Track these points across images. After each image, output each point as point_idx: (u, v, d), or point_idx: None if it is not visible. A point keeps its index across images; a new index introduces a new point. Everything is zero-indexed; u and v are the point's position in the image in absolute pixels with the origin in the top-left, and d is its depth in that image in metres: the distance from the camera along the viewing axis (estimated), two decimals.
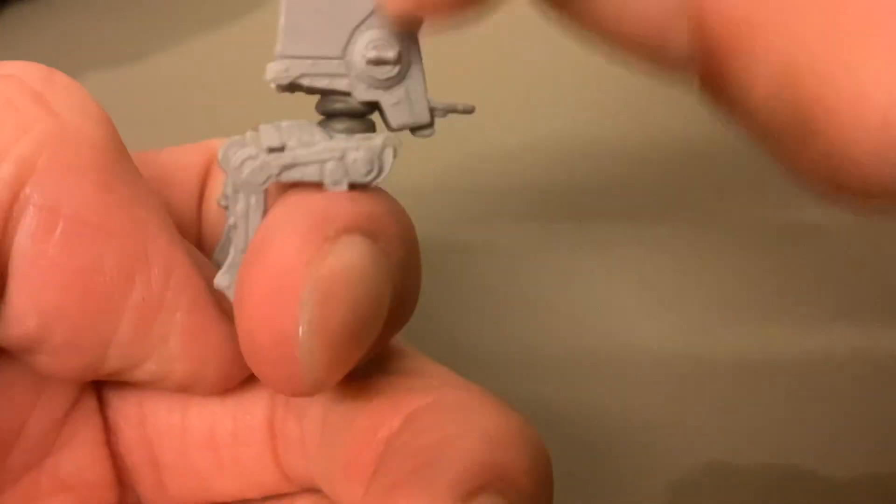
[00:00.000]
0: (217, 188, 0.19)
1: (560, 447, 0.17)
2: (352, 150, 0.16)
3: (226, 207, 0.17)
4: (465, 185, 0.31)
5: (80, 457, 0.18)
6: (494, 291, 0.29)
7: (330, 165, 0.16)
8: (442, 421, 0.16)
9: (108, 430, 0.18)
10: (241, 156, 0.16)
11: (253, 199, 0.16)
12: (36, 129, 0.15)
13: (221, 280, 0.16)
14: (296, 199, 0.16)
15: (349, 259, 0.15)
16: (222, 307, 0.17)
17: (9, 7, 0.38)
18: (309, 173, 0.16)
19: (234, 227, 0.16)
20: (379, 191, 0.16)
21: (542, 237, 0.30)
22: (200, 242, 0.20)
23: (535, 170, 0.33)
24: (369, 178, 0.16)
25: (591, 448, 0.25)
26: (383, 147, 0.16)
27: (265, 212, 0.16)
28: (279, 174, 0.16)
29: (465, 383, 0.17)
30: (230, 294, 0.16)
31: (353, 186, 0.16)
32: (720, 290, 0.29)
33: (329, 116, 0.16)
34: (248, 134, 0.16)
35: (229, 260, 0.16)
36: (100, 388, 0.18)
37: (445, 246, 0.29)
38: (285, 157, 0.16)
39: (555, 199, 0.31)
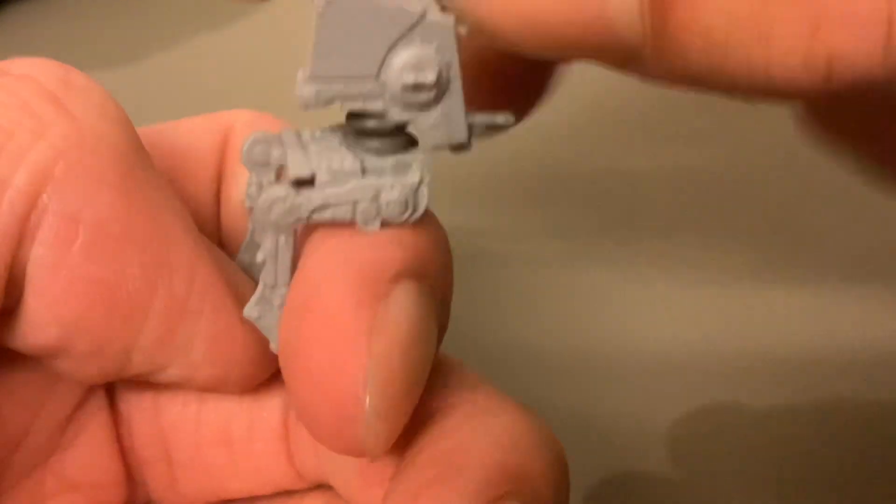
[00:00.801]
0: (236, 172, 0.19)
1: (569, 448, 0.17)
2: (385, 190, 0.15)
3: (250, 209, 0.16)
4: (477, 188, 0.31)
5: (87, 455, 0.17)
6: (504, 291, 0.29)
7: (362, 206, 0.15)
8: (461, 425, 0.16)
9: (119, 424, 0.18)
10: (270, 197, 0.15)
11: (282, 239, 0.16)
12: (52, 133, 0.15)
13: (251, 312, 0.16)
14: (337, 246, 0.15)
15: (406, 318, 0.14)
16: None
17: (9, 7, 0.38)
18: (341, 214, 0.15)
19: (263, 263, 0.16)
20: (422, 218, 0.16)
21: (551, 240, 0.30)
22: (220, 233, 0.19)
23: (544, 168, 0.33)
24: (403, 217, 0.15)
25: (600, 449, 0.25)
26: (419, 185, 0.15)
27: (295, 248, 0.16)
28: (309, 216, 0.15)
29: (480, 384, 0.17)
30: (260, 326, 0.16)
31: (384, 223, 0.15)
32: (729, 292, 0.29)
33: (361, 133, 0.16)
34: (280, 135, 0.16)
35: (258, 293, 0.16)
36: (111, 382, 0.18)
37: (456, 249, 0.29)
38: (315, 199, 0.15)
39: (564, 198, 0.31)
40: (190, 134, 0.19)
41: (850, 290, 0.29)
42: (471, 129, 0.16)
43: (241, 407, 0.18)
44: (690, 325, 0.28)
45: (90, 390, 0.17)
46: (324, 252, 0.15)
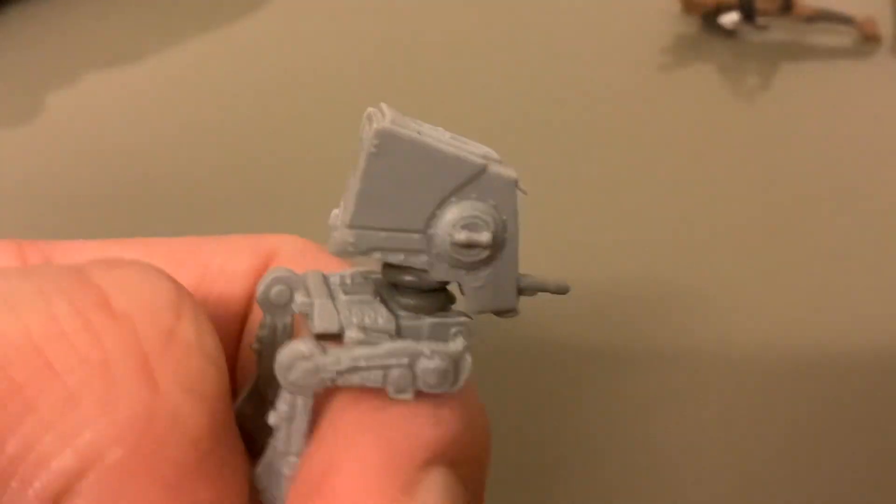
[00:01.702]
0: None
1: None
2: (423, 358, 0.13)
3: (259, 353, 0.15)
4: None
5: None
6: None
7: (396, 372, 0.13)
8: None
9: None
10: (291, 355, 0.13)
11: (300, 402, 0.13)
12: (121, 409, 0.12)
13: (259, 480, 0.14)
14: (362, 417, 0.13)
15: None
16: None
17: (9, 7, 0.38)
18: (371, 379, 0.13)
19: (277, 428, 0.14)
20: (459, 393, 0.14)
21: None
22: (235, 368, 0.17)
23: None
24: (441, 388, 0.13)
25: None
26: (462, 354, 0.14)
27: (311, 412, 0.14)
28: (335, 379, 0.13)
29: None
30: (264, 498, 0.14)
31: (418, 393, 0.13)
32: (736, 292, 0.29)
33: (396, 287, 0.14)
34: (304, 277, 0.14)
35: (265, 459, 0.14)
36: None
37: None
38: (344, 360, 0.13)
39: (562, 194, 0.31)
40: (227, 253, 0.17)
41: (850, 290, 0.29)
42: (520, 293, 0.14)
43: None
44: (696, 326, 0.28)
45: None
46: (346, 422, 0.13)
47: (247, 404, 0.16)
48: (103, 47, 0.36)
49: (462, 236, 0.13)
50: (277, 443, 0.14)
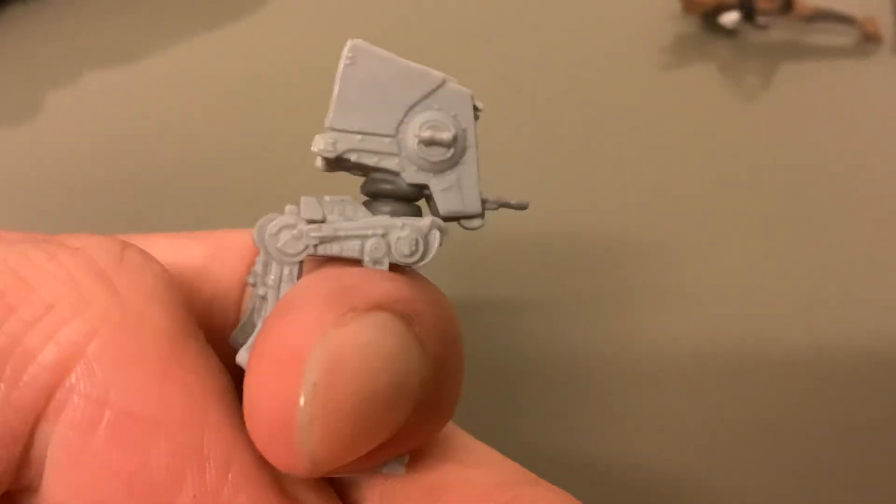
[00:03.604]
0: None
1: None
2: (396, 229, 0.15)
3: (253, 285, 0.16)
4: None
5: None
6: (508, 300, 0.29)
7: (372, 242, 0.15)
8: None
9: None
10: (278, 224, 0.15)
11: (286, 271, 0.15)
12: (92, 310, 0.14)
13: (243, 356, 0.15)
14: (327, 270, 0.15)
15: (372, 334, 0.14)
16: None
17: (9, 7, 0.38)
18: (349, 248, 0.15)
19: (264, 298, 0.15)
20: (422, 278, 0.16)
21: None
22: (238, 318, 0.19)
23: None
24: (412, 259, 0.15)
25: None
26: (430, 228, 0.15)
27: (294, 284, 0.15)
28: (317, 246, 0.15)
29: (536, 479, 0.16)
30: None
31: (393, 267, 0.15)
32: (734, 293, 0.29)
33: (374, 197, 0.16)
34: (287, 207, 0.15)
35: (255, 334, 0.15)
36: None
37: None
38: (325, 229, 0.15)
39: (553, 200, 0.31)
40: (241, 232, 0.19)
41: (845, 292, 0.29)
42: (484, 203, 0.16)
43: None
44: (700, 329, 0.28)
45: None
46: (313, 273, 0.15)
47: (241, 333, 0.17)
48: (103, 47, 0.36)
49: (427, 133, 0.15)
50: (265, 314, 0.15)
